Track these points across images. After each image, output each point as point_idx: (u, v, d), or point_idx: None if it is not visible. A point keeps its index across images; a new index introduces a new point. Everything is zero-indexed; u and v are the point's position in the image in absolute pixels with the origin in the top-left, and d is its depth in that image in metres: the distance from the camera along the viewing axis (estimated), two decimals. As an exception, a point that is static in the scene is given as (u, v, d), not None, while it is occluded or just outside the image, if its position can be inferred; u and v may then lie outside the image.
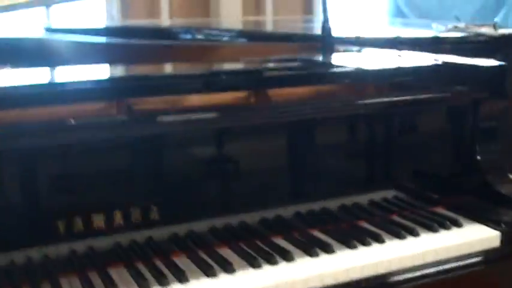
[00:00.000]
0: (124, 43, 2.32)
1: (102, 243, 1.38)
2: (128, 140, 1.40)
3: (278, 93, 1.52)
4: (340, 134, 1.64)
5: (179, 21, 4.10)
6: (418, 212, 1.58)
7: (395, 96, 1.56)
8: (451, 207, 1.60)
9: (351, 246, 1.41)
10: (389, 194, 1.66)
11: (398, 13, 5.25)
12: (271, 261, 1.33)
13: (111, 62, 2.27)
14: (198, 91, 1.43)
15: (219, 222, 1.48)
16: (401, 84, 1.59)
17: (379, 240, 1.44)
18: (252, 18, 4.99)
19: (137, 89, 1.38)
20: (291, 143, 1.57)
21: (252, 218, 1.51)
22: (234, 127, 1.49)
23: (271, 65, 1.73)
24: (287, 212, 1.55)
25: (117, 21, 4.72)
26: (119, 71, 1.87)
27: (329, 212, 1.58)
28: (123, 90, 1.39)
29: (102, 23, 3.83)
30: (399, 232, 1.46)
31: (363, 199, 1.63)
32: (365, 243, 1.42)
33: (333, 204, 1.60)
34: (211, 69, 1.82)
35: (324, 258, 1.37)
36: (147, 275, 1.28)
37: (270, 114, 1.48)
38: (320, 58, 1.84)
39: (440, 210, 1.60)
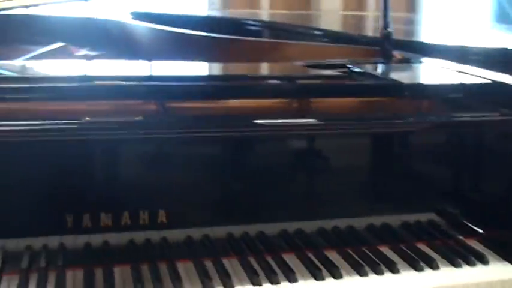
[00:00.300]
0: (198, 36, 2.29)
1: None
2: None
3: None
4: (377, 152, 1.56)
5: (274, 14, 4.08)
6: (446, 242, 1.48)
7: (435, 116, 1.47)
8: (485, 240, 1.49)
9: (361, 273, 1.34)
10: (425, 217, 1.57)
11: (504, 17, 4.96)
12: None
13: (185, 54, 2.27)
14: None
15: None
16: (442, 102, 1.49)
17: (394, 270, 1.36)
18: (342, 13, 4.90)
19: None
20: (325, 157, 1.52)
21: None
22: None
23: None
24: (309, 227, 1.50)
25: (210, 11, 4.76)
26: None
27: (355, 232, 1.52)
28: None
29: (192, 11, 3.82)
30: (417, 263, 1.38)
31: (395, 220, 1.55)
32: (377, 272, 1.35)
33: (360, 223, 1.53)
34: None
35: (329, 282, 1.32)
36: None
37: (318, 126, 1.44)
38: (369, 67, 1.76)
39: (473, 242, 1.49)
